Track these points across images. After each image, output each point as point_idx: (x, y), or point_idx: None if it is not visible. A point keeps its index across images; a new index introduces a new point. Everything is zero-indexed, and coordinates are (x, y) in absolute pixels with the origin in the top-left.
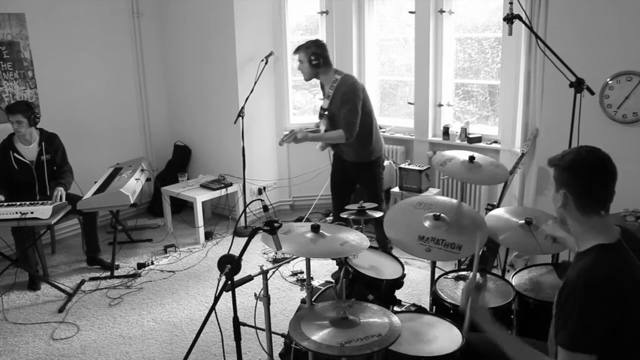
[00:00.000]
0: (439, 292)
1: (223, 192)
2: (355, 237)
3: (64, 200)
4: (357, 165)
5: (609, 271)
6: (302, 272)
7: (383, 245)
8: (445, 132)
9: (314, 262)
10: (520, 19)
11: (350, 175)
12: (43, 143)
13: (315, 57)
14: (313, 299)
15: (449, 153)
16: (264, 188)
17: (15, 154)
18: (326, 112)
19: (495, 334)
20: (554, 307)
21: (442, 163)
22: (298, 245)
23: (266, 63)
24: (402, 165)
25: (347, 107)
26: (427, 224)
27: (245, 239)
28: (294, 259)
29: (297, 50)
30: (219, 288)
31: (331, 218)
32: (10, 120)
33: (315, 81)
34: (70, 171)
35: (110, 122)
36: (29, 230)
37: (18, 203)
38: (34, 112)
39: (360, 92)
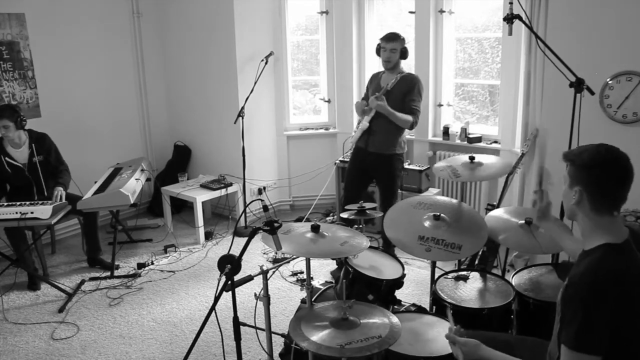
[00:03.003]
0: (439, 292)
1: (223, 192)
2: (355, 238)
3: (63, 200)
4: (380, 157)
5: (616, 270)
6: (302, 272)
7: (388, 244)
8: (445, 132)
9: (314, 262)
10: (520, 19)
11: (368, 169)
12: (33, 145)
13: (405, 49)
14: (313, 299)
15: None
16: (264, 188)
17: (6, 158)
18: (383, 92)
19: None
20: (558, 304)
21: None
22: (298, 245)
23: (266, 63)
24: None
25: (418, 96)
26: (427, 224)
27: (245, 239)
28: (294, 259)
29: (396, 38)
30: (219, 288)
31: (331, 218)
32: None
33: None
34: (67, 170)
35: (111, 122)
36: (24, 232)
37: (18, 203)
38: (20, 115)
39: (423, 89)
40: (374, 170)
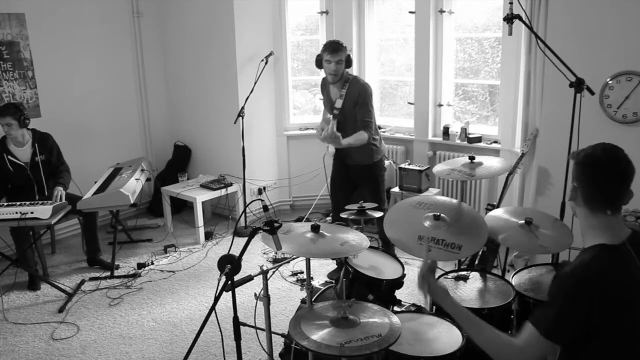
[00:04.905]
0: None
1: (223, 192)
2: (355, 237)
3: (63, 200)
4: (361, 168)
5: (606, 271)
6: (302, 272)
7: (387, 244)
8: (445, 132)
9: (314, 262)
10: (520, 19)
11: (352, 178)
12: (36, 144)
13: (349, 57)
14: (313, 299)
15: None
16: (264, 188)
17: (8, 157)
18: (337, 112)
19: (453, 312)
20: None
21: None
22: (298, 245)
23: (266, 63)
24: (402, 165)
25: (364, 108)
26: (427, 224)
27: (245, 239)
28: (294, 259)
29: (341, 48)
30: (219, 288)
31: (331, 219)
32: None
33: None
34: (67, 170)
35: (110, 122)
36: (28, 231)
37: (18, 203)
38: (23, 113)
39: (371, 93)
40: (357, 179)
